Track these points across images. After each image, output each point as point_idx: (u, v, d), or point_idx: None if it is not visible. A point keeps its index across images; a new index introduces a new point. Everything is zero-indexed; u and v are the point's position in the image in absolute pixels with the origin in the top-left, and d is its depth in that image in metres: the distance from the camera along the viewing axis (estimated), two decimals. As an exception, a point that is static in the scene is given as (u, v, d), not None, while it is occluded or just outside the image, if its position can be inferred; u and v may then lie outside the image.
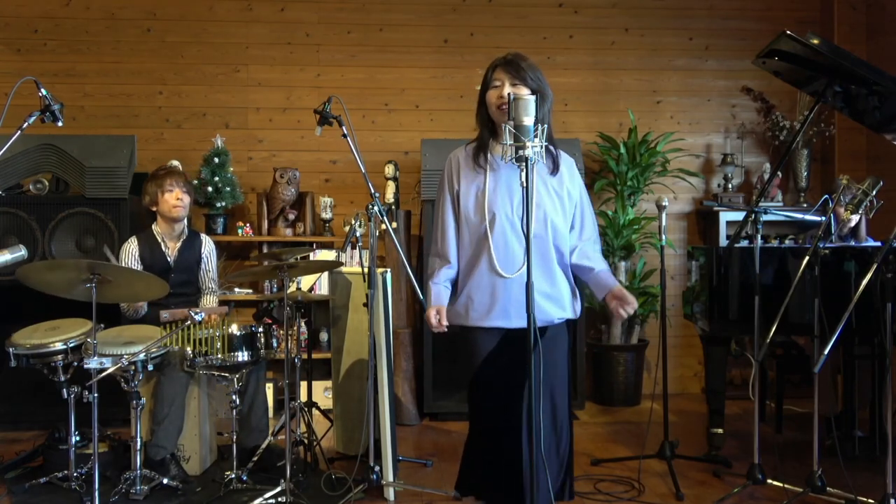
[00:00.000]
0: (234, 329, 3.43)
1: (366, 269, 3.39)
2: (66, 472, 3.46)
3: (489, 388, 2.56)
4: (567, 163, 2.67)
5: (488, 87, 2.58)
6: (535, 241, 2.45)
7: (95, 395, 3.10)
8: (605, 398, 5.24)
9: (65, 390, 3.39)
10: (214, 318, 3.50)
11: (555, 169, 2.61)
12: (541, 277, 2.52)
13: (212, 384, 3.91)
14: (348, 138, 3.37)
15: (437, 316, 2.59)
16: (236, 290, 5.00)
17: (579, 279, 2.72)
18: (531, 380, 2.24)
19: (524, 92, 2.48)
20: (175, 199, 3.86)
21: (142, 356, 3.26)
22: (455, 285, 2.66)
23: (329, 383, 4.70)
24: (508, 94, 2.39)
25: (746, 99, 5.59)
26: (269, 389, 4.62)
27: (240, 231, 5.09)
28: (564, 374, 2.62)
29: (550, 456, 2.52)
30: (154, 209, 3.93)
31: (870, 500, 3.17)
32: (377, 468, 3.39)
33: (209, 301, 4.06)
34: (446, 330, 2.62)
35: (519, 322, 2.50)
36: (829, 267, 3.48)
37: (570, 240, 2.64)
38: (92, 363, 3.08)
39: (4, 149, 2.98)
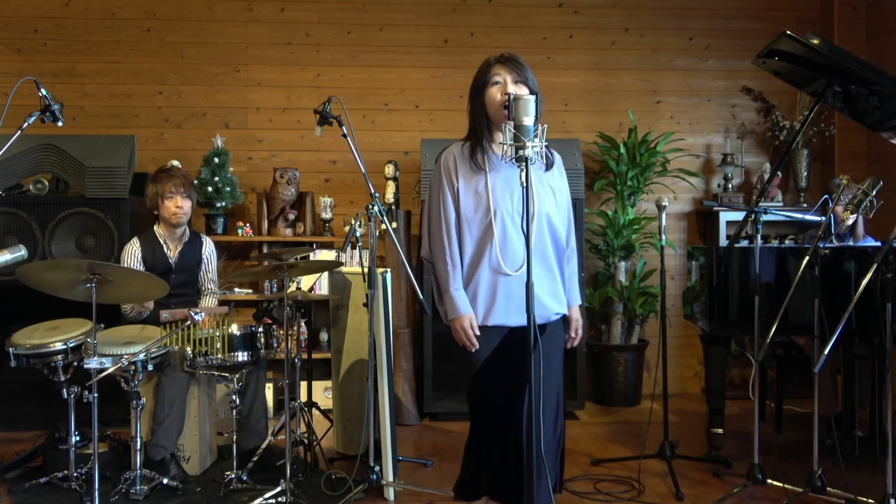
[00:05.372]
0: (234, 329, 3.43)
1: (366, 269, 3.38)
2: (66, 472, 3.46)
3: (491, 387, 2.56)
4: (557, 160, 2.69)
5: (488, 84, 2.56)
6: (535, 238, 2.46)
7: (95, 395, 3.10)
8: (605, 398, 5.23)
9: (65, 390, 3.39)
10: (211, 320, 3.49)
11: (548, 165, 2.63)
12: (542, 274, 2.53)
13: (212, 384, 3.91)
14: (348, 138, 3.37)
15: (471, 325, 2.51)
16: (236, 290, 5.00)
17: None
18: (531, 379, 2.24)
19: (524, 92, 2.48)
20: (175, 207, 3.87)
21: (142, 356, 3.26)
22: None
23: (329, 383, 4.70)
24: (509, 94, 2.38)
25: (746, 99, 5.58)
26: (269, 389, 4.62)
27: (240, 231, 5.09)
28: (561, 370, 2.65)
29: (550, 453, 2.52)
30: (156, 213, 3.94)
31: (870, 500, 3.17)
32: (377, 468, 3.39)
33: (208, 302, 4.06)
34: (477, 345, 2.52)
35: (519, 320, 2.49)
36: (829, 267, 3.48)
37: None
38: (92, 363, 3.08)
39: (4, 149, 2.98)
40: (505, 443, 2.52)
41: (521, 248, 2.50)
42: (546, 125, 2.32)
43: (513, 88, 2.50)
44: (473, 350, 2.53)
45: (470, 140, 2.63)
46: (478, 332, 2.52)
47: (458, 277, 2.56)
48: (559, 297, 2.62)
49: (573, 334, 2.70)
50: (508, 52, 2.59)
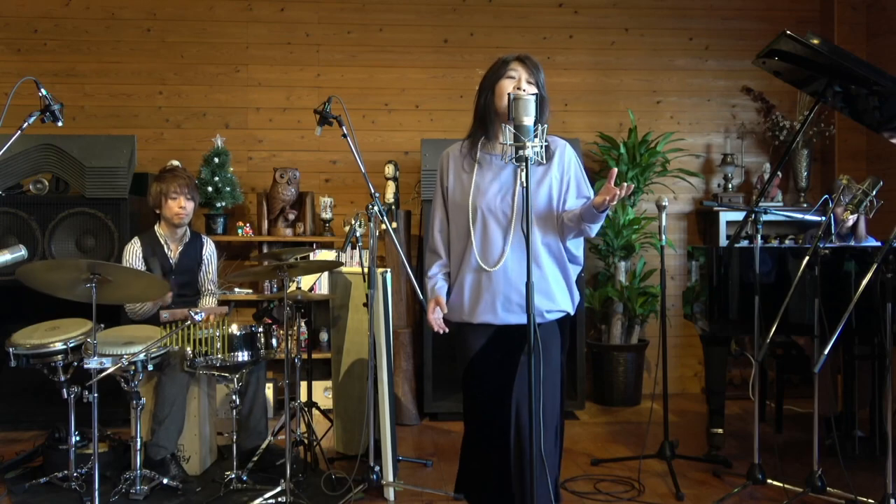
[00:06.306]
0: (234, 329, 3.43)
1: (366, 269, 3.39)
2: (66, 472, 3.45)
3: (479, 386, 2.56)
4: (559, 148, 2.59)
5: (501, 77, 2.53)
6: (517, 233, 2.45)
7: (95, 395, 3.10)
8: (605, 398, 5.23)
9: (65, 390, 3.39)
10: (212, 319, 3.49)
11: (544, 159, 2.50)
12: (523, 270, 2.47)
13: (212, 384, 3.92)
14: (348, 138, 3.37)
15: (437, 307, 2.61)
16: (236, 290, 5.00)
17: (581, 269, 2.71)
18: (529, 379, 2.23)
19: (534, 92, 2.47)
20: (178, 208, 3.88)
21: (142, 356, 3.26)
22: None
23: (329, 383, 4.70)
24: (509, 94, 2.36)
25: (746, 99, 5.59)
26: (269, 389, 4.62)
27: (240, 231, 5.09)
28: (556, 376, 2.55)
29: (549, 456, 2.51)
30: (158, 212, 3.94)
31: (870, 500, 3.17)
32: (377, 468, 3.39)
33: (208, 302, 4.06)
34: (446, 330, 2.62)
35: (506, 317, 2.49)
36: (829, 267, 3.48)
37: (567, 205, 2.57)
38: (92, 363, 3.08)
39: (4, 149, 2.98)
40: (490, 443, 2.51)
41: (500, 244, 2.50)
42: (546, 125, 2.32)
43: (525, 86, 2.49)
44: (441, 333, 2.63)
45: (471, 137, 2.62)
46: (444, 311, 2.61)
47: (434, 266, 2.69)
48: (551, 296, 2.53)
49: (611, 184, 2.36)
50: (525, 53, 2.58)
